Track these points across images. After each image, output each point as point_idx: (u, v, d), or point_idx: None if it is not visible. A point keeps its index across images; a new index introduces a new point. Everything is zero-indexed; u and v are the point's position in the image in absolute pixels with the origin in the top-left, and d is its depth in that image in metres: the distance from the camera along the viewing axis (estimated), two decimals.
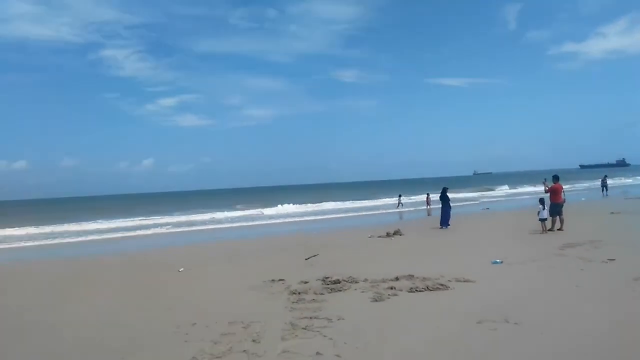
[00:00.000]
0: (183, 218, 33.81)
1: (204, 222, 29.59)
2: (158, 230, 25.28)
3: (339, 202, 44.93)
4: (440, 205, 18.21)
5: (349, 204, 42.48)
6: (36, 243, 21.40)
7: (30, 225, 30.78)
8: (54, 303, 8.22)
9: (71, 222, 32.45)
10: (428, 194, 27.48)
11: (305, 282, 8.33)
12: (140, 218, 35.04)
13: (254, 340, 5.22)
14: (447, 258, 10.33)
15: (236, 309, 6.84)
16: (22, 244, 21.33)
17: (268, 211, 37.78)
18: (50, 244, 20.80)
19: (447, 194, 18.24)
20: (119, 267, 12.25)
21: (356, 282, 8.07)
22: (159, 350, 5.20)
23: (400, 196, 32.89)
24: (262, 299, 7.44)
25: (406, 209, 31.14)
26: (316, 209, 39.29)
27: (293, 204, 43.75)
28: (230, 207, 42.71)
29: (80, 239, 22.52)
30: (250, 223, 27.61)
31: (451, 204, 18.25)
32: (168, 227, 26.71)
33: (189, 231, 24.09)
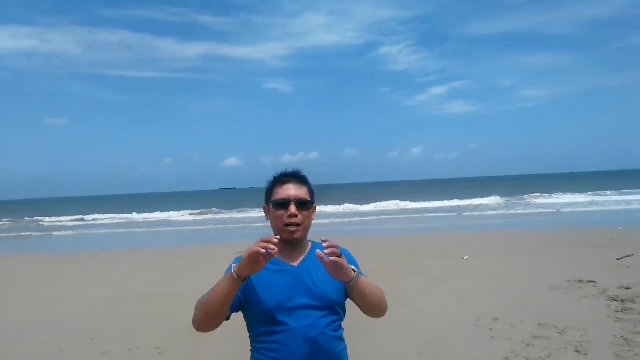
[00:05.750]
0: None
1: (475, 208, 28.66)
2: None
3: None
4: None
5: None
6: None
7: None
8: None
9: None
10: None
11: (627, 288, 6.80)
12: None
13: (577, 351, 4.42)
14: None
15: (541, 309, 6.04)
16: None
17: (540, 200, 34.34)
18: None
19: None
20: (407, 247, 12.74)
21: None
22: (464, 341, 4.94)
23: None
24: (572, 301, 6.39)
25: None
26: (604, 198, 33.24)
27: (570, 193, 38.33)
28: (505, 194, 40.00)
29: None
30: (526, 211, 25.30)
31: None
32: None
33: (465, 217, 23.66)
